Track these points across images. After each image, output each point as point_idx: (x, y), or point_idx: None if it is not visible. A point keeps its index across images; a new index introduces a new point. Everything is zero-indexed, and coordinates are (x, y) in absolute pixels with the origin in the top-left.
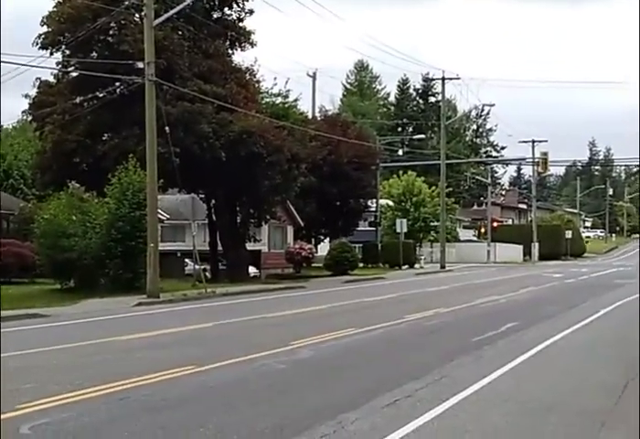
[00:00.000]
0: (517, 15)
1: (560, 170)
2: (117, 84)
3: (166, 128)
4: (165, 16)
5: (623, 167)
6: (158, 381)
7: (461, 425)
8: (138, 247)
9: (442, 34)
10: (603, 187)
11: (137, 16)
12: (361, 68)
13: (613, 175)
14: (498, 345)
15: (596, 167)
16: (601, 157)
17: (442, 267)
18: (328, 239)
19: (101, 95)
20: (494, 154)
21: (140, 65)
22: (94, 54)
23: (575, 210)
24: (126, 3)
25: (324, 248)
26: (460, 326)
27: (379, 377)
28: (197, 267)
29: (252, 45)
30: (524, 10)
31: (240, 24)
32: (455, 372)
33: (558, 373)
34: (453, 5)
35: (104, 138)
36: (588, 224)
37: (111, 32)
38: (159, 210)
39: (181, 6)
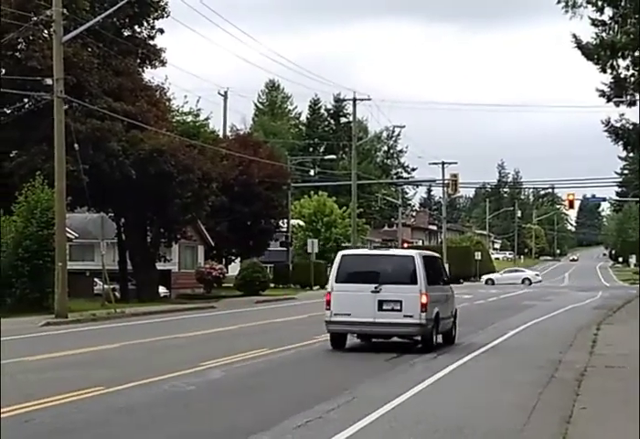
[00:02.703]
0: (428, 37)
1: (470, 192)
2: (25, 100)
3: (76, 145)
4: (75, 32)
5: (531, 190)
6: (65, 403)
7: None
8: (46, 266)
9: (353, 55)
10: (512, 209)
11: (46, 32)
12: (272, 87)
13: (522, 197)
14: (410, 365)
15: (505, 189)
16: (509, 180)
17: None
18: (239, 259)
19: (8, 111)
20: (404, 175)
21: (49, 81)
22: (2, 70)
23: (484, 232)
24: (35, 18)
25: (234, 268)
26: (372, 346)
27: (291, 398)
28: (106, 287)
29: (163, 63)
30: (435, 32)
31: (151, 42)
32: (367, 393)
33: (468, 394)
34: (366, 26)
35: (11, 155)
36: (497, 246)
37: (19, 48)
38: (68, 229)
39: (91, 23)
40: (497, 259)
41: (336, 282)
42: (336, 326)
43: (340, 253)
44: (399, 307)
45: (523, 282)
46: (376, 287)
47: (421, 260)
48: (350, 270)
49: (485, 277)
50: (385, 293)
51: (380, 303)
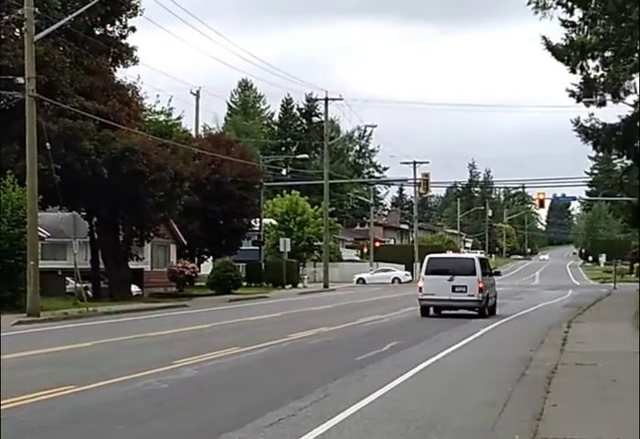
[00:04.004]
0: (400, 36)
1: (442, 191)
2: None
3: (47, 144)
4: (47, 31)
5: (502, 189)
6: (37, 402)
7: None
8: (18, 265)
9: (326, 55)
10: (483, 208)
11: (18, 30)
12: (245, 87)
13: (493, 196)
14: (382, 363)
15: (476, 189)
16: (481, 179)
17: (326, 286)
18: (212, 257)
19: None
20: (376, 174)
21: (20, 80)
22: None
23: (456, 231)
24: (6, 17)
25: (207, 267)
26: (343, 345)
27: (263, 396)
28: (78, 285)
29: (135, 62)
30: (407, 32)
31: (123, 40)
32: (339, 391)
33: (441, 391)
34: (338, 26)
35: None
36: (468, 245)
37: None
38: (39, 228)
39: (63, 22)
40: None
41: (425, 274)
42: (425, 302)
43: (427, 256)
44: (465, 290)
45: (393, 281)
46: (450, 278)
47: (477, 260)
48: (434, 267)
49: (356, 276)
50: (456, 281)
51: (453, 287)
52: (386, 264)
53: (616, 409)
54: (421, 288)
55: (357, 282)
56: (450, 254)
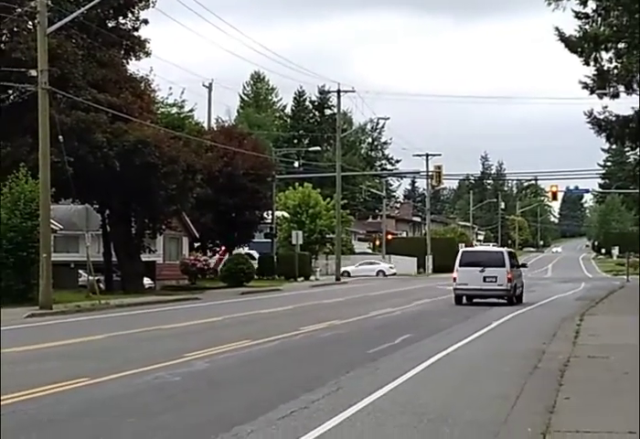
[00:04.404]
0: (413, 29)
1: (454, 184)
2: (9, 92)
3: (60, 137)
4: (59, 23)
5: (514, 182)
6: (49, 394)
7: (357, 436)
8: (30, 258)
9: (338, 47)
10: (496, 200)
11: (30, 23)
12: (257, 79)
13: (505, 189)
14: (394, 356)
15: (489, 181)
16: (493, 171)
17: (338, 279)
18: (225, 250)
19: None
20: (388, 167)
21: (33, 73)
22: None
23: (468, 224)
24: (19, 10)
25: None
26: (356, 337)
27: (275, 389)
28: (90, 278)
29: (147, 54)
30: (420, 24)
31: (135, 33)
32: (351, 384)
33: (453, 384)
34: (350, 19)
35: None
36: (481, 237)
37: (3, 39)
38: (52, 220)
39: (75, 14)
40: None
41: (459, 266)
42: (459, 291)
43: (461, 250)
44: (495, 280)
45: (377, 274)
46: (482, 269)
47: (507, 253)
48: (467, 259)
49: (342, 269)
50: (487, 272)
51: (484, 278)
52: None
53: (628, 401)
54: (455, 279)
55: (342, 274)
56: (481, 248)
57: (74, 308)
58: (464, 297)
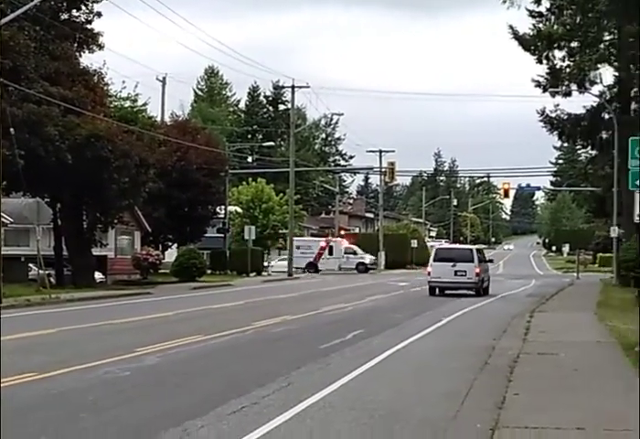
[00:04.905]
0: (368, 24)
1: (407, 180)
2: None
3: (11, 130)
4: (12, 15)
5: (467, 178)
6: None
7: (307, 432)
8: None
9: (293, 43)
10: (448, 197)
11: None
12: (211, 74)
13: (458, 186)
14: (345, 352)
15: (441, 178)
16: (446, 168)
17: (290, 274)
18: (176, 245)
19: None
20: (342, 162)
21: None
22: None
23: (421, 220)
24: None
25: (171, 254)
26: (307, 333)
27: (226, 384)
28: (41, 272)
29: (100, 47)
30: (375, 20)
31: (88, 26)
32: (302, 379)
33: (403, 380)
34: (306, 14)
35: None
36: (433, 234)
37: None
38: (2, 214)
39: (28, 7)
40: (433, 247)
41: (434, 261)
42: (432, 283)
43: (435, 247)
44: (465, 274)
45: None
46: (453, 264)
47: (475, 250)
48: (440, 255)
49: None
50: (458, 267)
51: (455, 272)
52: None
53: (578, 398)
54: (429, 273)
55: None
56: (453, 245)
57: (24, 302)
58: (437, 289)
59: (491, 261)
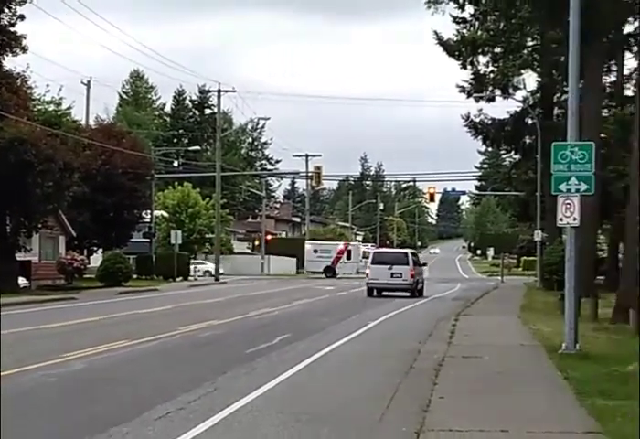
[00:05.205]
0: (295, 28)
1: (334, 184)
2: None
3: None
4: None
5: (393, 183)
6: None
7: (234, 436)
8: None
9: (220, 47)
10: (375, 201)
11: None
12: (137, 77)
13: (384, 190)
14: (272, 356)
15: (368, 182)
16: (372, 172)
17: (217, 279)
18: (102, 250)
19: None
20: (269, 167)
21: None
22: None
23: (347, 224)
24: None
25: (97, 259)
26: (234, 337)
27: (153, 389)
28: None
29: (24, 50)
30: (302, 24)
31: (12, 29)
32: (229, 384)
33: (329, 384)
34: (232, 18)
35: None
36: (360, 238)
37: None
38: None
39: None
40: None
41: (371, 264)
42: (370, 285)
43: (372, 251)
44: (400, 276)
45: (204, 274)
46: (389, 267)
47: (410, 254)
48: (377, 259)
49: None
50: (394, 269)
51: (392, 274)
52: (277, 257)
53: (502, 401)
54: (367, 274)
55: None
56: (389, 249)
57: None
58: (375, 290)
59: (425, 264)
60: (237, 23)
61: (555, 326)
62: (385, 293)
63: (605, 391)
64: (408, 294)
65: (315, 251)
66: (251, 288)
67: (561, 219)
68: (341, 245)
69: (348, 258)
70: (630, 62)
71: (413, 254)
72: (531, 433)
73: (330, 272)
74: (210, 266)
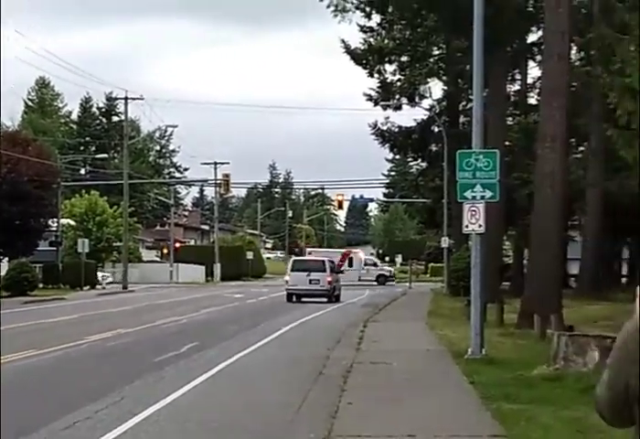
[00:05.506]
0: (205, 36)
1: (242, 192)
2: None
3: None
4: None
5: (302, 190)
6: None
7: None
8: None
9: (129, 54)
10: (283, 209)
11: None
12: (42, 84)
13: (293, 197)
14: (180, 365)
15: (276, 190)
16: (281, 180)
17: (125, 288)
18: (7, 258)
19: None
20: (177, 175)
21: None
22: None
23: (256, 232)
24: None
25: (2, 268)
26: (142, 346)
27: (59, 399)
28: None
29: None
30: (212, 32)
31: None
32: (136, 393)
33: (238, 392)
34: (141, 26)
35: None
36: (269, 245)
37: None
38: None
39: None
40: (269, 258)
41: (291, 271)
42: (290, 290)
43: (292, 259)
44: (318, 282)
45: (112, 283)
46: (308, 274)
47: (327, 261)
48: (297, 266)
49: None
50: (312, 276)
51: (310, 280)
52: (186, 265)
53: (409, 406)
54: (287, 281)
55: None
56: (308, 257)
57: None
58: (294, 296)
59: (342, 272)
60: (145, 31)
61: (461, 332)
62: (304, 299)
63: (510, 396)
64: (325, 299)
65: None
66: (160, 296)
67: (467, 226)
68: (342, 253)
69: (350, 265)
70: (533, 71)
71: (330, 262)
72: (438, 437)
73: None
74: (118, 275)
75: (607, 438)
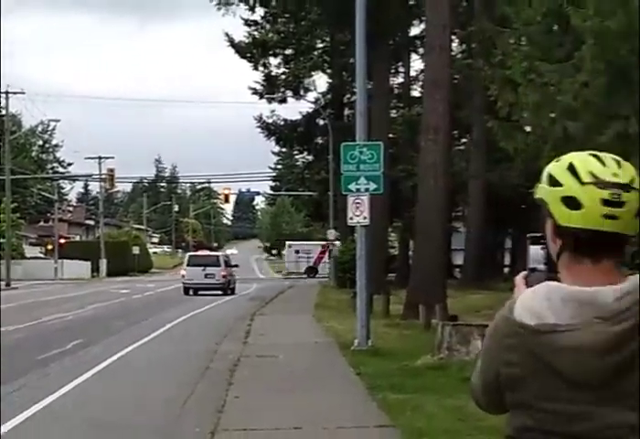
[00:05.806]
0: (90, 30)
1: (128, 187)
2: None
3: None
4: None
5: (188, 184)
6: None
7: None
8: None
9: (10, 47)
10: (169, 203)
11: None
12: None
13: (179, 192)
14: (65, 362)
15: (162, 184)
16: (167, 174)
17: (8, 285)
18: None
19: None
20: (61, 170)
21: None
22: None
23: (142, 227)
24: None
25: None
26: (26, 343)
27: None
28: None
29: None
30: (99, 25)
31: None
32: (19, 392)
33: (122, 389)
34: (23, 18)
35: None
36: (155, 240)
37: None
38: None
39: None
40: (156, 253)
41: (187, 266)
42: (187, 285)
43: (188, 254)
44: (213, 276)
45: None
46: (203, 268)
47: (222, 257)
48: (193, 261)
49: None
50: (207, 270)
51: (205, 274)
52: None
53: (296, 399)
54: (184, 275)
55: None
56: (203, 253)
57: None
58: (191, 290)
59: (237, 265)
60: (29, 23)
61: (348, 324)
62: (201, 292)
63: (396, 386)
64: (221, 292)
65: (297, 252)
66: (45, 293)
67: (352, 219)
68: (322, 245)
69: (330, 258)
70: (416, 64)
71: (225, 256)
72: (325, 429)
73: (312, 272)
74: (1, 272)
75: (485, 426)
